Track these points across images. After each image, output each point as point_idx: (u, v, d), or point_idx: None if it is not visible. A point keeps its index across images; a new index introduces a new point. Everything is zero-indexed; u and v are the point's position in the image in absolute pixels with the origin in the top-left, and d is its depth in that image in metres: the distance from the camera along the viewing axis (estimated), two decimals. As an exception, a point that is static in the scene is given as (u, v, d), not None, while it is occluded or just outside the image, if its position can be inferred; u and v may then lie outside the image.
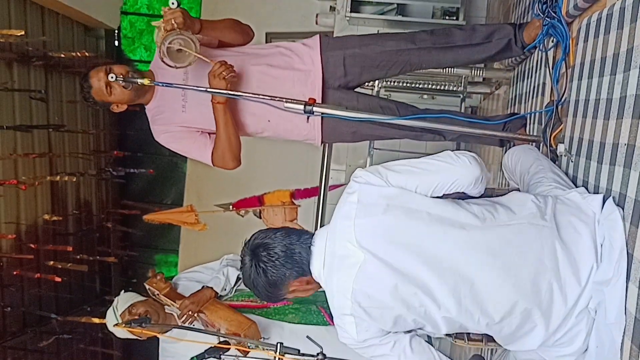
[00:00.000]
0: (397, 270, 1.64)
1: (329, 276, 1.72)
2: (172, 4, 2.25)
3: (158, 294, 2.84)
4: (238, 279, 3.00)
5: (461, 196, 1.82)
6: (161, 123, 2.68)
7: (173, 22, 2.26)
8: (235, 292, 3.02)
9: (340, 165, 5.80)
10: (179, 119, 2.65)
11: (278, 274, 1.73)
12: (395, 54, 2.65)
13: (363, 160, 5.50)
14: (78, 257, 6.02)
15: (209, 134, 2.69)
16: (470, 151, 1.84)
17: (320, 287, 1.80)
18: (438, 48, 2.67)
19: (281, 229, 1.80)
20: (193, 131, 2.68)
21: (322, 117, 2.60)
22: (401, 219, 1.67)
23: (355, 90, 2.82)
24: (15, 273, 5.29)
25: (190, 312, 2.72)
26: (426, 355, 1.80)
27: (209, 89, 2.42)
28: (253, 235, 1.81)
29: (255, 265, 1.74)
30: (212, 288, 2.87)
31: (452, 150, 1.81)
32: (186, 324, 2.79)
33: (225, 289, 2.92)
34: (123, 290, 2.98)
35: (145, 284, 2.91)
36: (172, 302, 2.80)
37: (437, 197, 1.75)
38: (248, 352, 2.50)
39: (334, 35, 5.57)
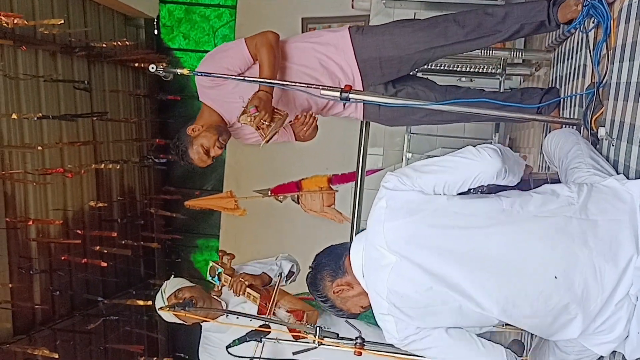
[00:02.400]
0: (428, 272, 1.67)
1: (368, 279, 1.80)
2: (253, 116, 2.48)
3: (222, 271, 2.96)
4: (290, 272, 3.09)
5: (493, 189, 1.83)
6: (238, 136, 2.94)
7: (263, 121, 2.49)
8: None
9: (378, 149, 5.80)
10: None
11: (314, 279, 1.93)
12: (429, 51, 2.74)
13: (400, 146, 5.48)
14: (123, 242, 6.19)
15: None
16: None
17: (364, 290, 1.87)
18: (470, 40, 2.72)
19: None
20: None
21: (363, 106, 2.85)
22: (428, 221, 1.71)
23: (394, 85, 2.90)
24: (63, 258, 5.46)
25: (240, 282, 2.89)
26: (465, 340, 1.82)
27: (246, 77, 2.48)
28: None
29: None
30: (266, 274, 3.03)
31: (475, 146, 1.85)
32: (239, 294, 2.88)
33: (278, 275, 3.02)
34: (173, 275, 3.08)
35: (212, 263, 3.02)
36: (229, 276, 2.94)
37: (464, 194, 1.78)
38: (299, 336, 2.56)
39: (370, 20, 5.54)
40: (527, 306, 1.64)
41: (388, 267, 1.71)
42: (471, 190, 1.81)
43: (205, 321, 2.94)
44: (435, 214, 1.71)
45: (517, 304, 1.65)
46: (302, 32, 4.71)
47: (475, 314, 1.69)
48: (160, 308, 2.86)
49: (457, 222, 1.69)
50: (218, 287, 3.02)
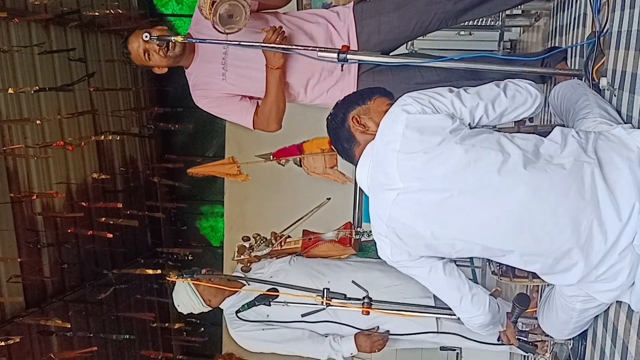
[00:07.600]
0: (435, 205, 1.68)
1: (372, 197, 1.81)
2: None
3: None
4: None
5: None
6: (201, 88, 2.73)
7: None
8: None
9: (379, 108, 5.75)
10: (219, 85, 2.69)
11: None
12: (430, 13, 2.58)
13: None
14: (128, 212, 6.21)
15: (250, 98, 2.74)
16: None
17: None
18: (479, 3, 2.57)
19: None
20: (233, 97, 2.73)
21: (357, 78, 2.65)
22: (445, 155, 1.68)
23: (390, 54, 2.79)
24: (69, 231, 5.50)
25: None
26: (456, 280, 1.90)
27: (242, 42, 2.43)
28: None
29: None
30: None
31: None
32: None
33: None
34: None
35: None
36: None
37: (485, 130, 1.76)
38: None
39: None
40: (532, 247, 1.66)
41: (394, 193, 1.71)
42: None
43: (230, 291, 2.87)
44: (454, 150, 1.68)
45: (522, 246, 1.67)
46: (298, 8, 4.58)
47: (473, 251, 1.73)
48: (186, 276, 2.75)
49: (473, 158, 1.67)
50: (247, 261, 2.98)
